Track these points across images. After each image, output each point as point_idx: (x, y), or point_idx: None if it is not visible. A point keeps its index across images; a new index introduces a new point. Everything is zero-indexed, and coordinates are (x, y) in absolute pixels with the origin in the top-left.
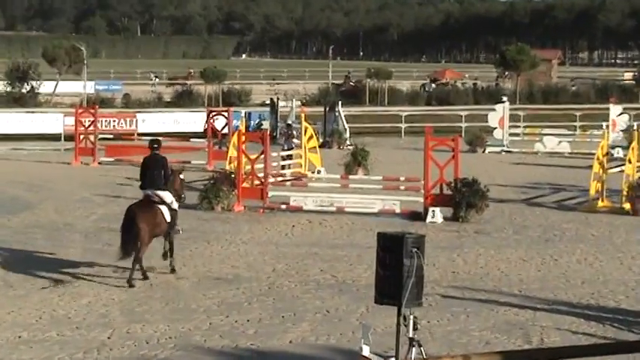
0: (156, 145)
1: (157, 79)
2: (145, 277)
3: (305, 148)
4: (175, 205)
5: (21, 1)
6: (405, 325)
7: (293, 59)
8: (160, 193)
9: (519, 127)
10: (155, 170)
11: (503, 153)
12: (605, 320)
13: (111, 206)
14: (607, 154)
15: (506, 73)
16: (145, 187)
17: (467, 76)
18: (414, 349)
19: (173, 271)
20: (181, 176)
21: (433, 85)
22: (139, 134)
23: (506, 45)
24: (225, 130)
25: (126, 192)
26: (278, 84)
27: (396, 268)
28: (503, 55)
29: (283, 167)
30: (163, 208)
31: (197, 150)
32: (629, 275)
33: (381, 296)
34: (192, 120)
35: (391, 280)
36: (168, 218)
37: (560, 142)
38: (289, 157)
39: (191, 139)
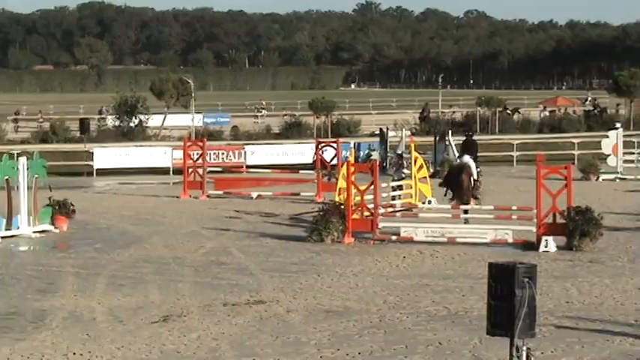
0: (470, 133)
1: (265, 111)
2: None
3: (415, 178)
4: (475, 172)
5: (129, 34)
6: (518, 357)
7: (402, 88)
8: (471, 162)
9: (633, 153)
10: (470, 149)
11: (618, 180)
12: None
13: (220, 239)
14: None
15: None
16: (462, 155)
17: (589, 100)
18: None
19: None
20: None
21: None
22: (247, 166)
23: (619, 70)
24: (334, 161)
25: (234, 225)
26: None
27: (507, 298)
28: (616, 80)
29: (393, 198)
30: (472, 171)
31: (306, 182)
32: None
33: (493, 327)
34: (300, 151)
35: (503, 311)
36: (472, 180)
37: None
38: (399, 187)
39: (300, 171)
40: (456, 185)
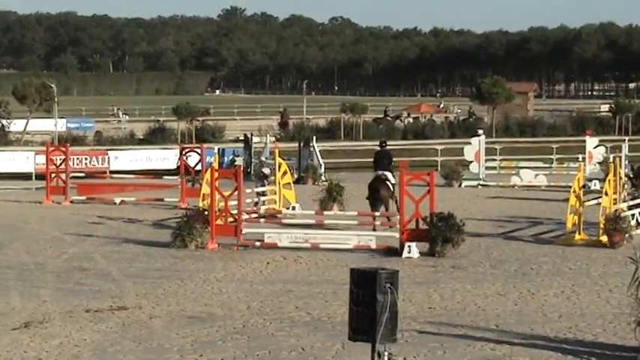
0: (384, 144)
1: (127, 117)
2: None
3: (279, 184)
4: (394, 181)
5: None
6: None
7: (267, 94)
8: (386, 173)
9: (496, 160)
10: (385, 159)
11: (480, 187)
12: (583, 354)
13: (82, 245)
14: (583, 186)
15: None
16: (377, 169)
17: (441, 106)
18: None
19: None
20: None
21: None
22: (111, 172)
23: (481, 78)
24: (199, 167)
25: (97, 231)
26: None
27: (369, 304)
28: (479, 87)
29: (257, 204)
30: (389, 183)
31: (170, 187)
32: (606, 308)
33: (355, 333)
34: (164, 157)
35: (365, 317)
36: (392, 188)
37: (536, 175)
38: (263, 193)
39: (164, 177)
40: (377, 199)
